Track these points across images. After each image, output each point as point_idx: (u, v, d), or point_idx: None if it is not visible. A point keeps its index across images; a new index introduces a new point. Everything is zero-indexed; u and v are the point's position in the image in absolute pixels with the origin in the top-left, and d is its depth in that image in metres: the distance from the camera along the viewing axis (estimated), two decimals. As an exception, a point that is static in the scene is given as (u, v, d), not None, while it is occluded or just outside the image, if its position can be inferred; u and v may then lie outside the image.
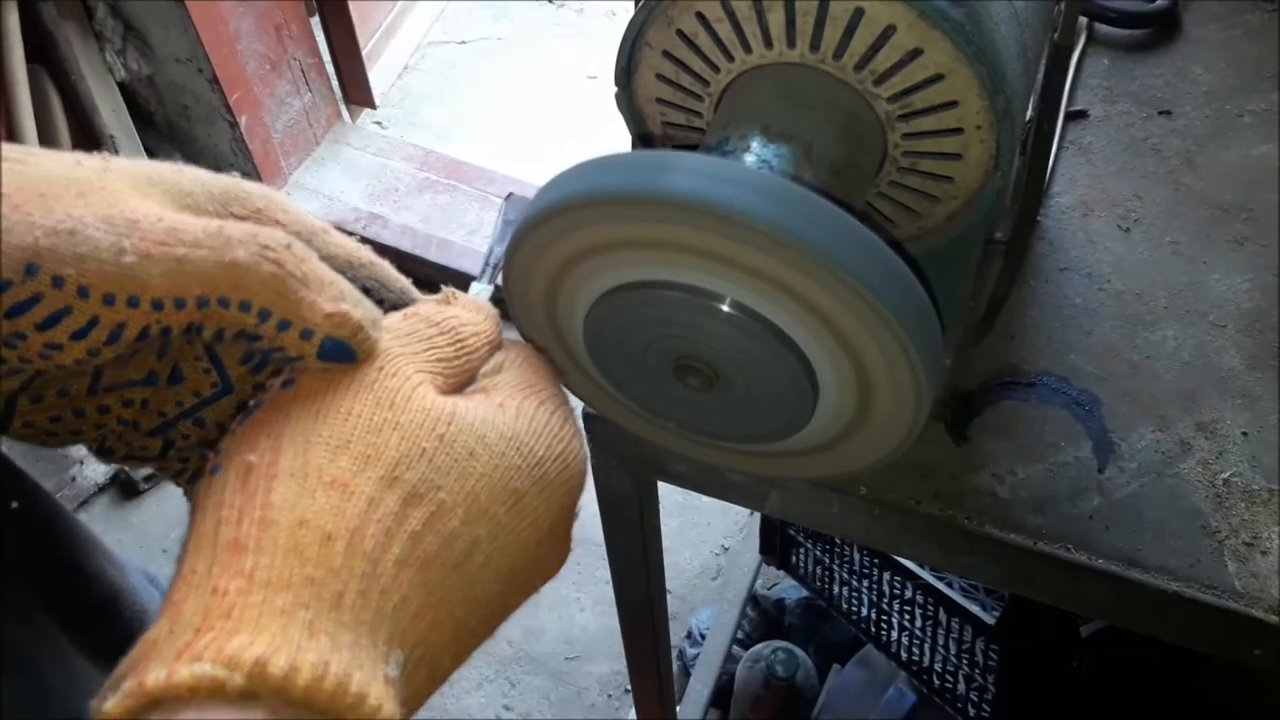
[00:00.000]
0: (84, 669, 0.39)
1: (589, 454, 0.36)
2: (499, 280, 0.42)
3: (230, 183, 0.33)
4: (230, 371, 0.34)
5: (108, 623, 0.43)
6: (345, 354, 0.31)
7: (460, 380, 0.34)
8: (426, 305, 0.36)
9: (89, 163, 0.31)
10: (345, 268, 0.35)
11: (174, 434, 0.35)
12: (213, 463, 0.29)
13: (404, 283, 0.38)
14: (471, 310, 0.36)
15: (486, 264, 0.42)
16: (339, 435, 0.29)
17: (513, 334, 0.41)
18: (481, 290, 0.41)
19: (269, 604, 0.25)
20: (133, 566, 0.48)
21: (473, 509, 0.30)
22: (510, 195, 0.44)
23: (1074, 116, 0.73)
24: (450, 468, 0.29)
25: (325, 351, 0.30)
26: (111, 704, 0.24)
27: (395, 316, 0.34)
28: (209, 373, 0.34)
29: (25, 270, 0.27)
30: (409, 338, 0.33)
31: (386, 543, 0.27)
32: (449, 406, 0.31)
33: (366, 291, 0.36)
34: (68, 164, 0.30)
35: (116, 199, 0.29)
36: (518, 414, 0.33)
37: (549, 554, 0.34)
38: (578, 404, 0.56)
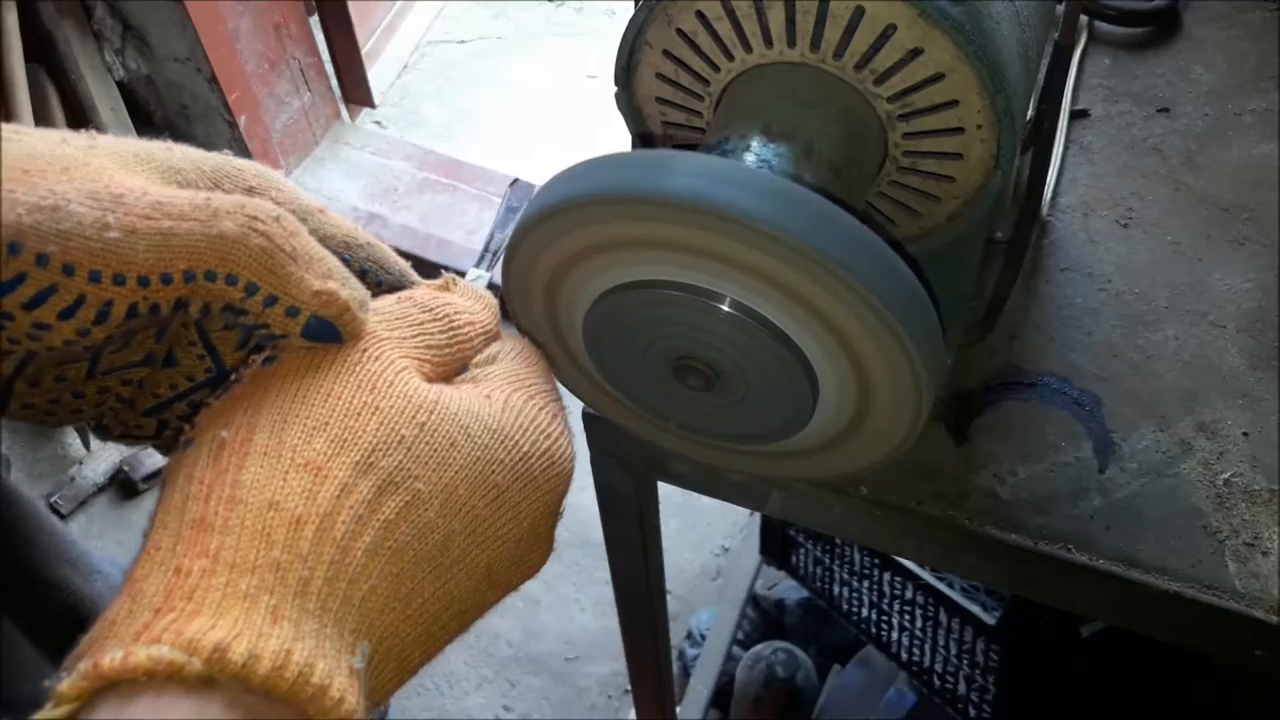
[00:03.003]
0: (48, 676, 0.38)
1: (577, 453, 0.35)
2: (498, 267, 0.41)
3: (222, 160, 0.33)
4: (225, 358, 0.34)
5: (69, 631, 0.42)
6: (331, 334, 0.30)
7: (451, 368, 0.33)
8: (423, 290, 0.35)
9: (74, 140, 0.30)
10: (342, 248, 0.35)
11: (169, 414, 0.35)
12: (187, 435, 0.29)
13: (403, 265, 0.37)
14: (469, 298, 0.36)
15: (486, 250, 0.42)
16: (316, 416, 0.28)
17: (511, 326, 0.40)
18: (479, 276, 0.41)
19: (233, 587, 0.25)
20: (111, 569, 0.48)
21: (450, 501, 0.29)
22: (515, 181, 0.43)
23: (1075, 116, 0.73)
24: (429, 457, 0.29)
25: (311, 330, 0.30)
26: (66, 684, 0.23)
27: (389, 299, 0.33)
28: (203, 358, 0.33)
29: (9, 248, 0.26)
30: (399, 321, 0.32)
31: (358, 530, 0.27)
32: (432, 394, 0.30)
33: (364, 274, 0.35)
34: (53, 141, 0.29)
35: (102, 174, 0.28)
36: (505, 407, 0.32)
37: (530, 552, 0.33)
38: (577, 404, 0.56)
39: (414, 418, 0.29)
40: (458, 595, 0.30)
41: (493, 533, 0.30)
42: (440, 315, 0.34)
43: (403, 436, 0.28)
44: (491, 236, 0.43)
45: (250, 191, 0.33)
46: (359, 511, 0.27)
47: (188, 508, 0.26)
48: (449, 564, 0.29)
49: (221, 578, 0.25)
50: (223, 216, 0.28)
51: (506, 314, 0.41)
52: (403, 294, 0.34)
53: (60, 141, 0.29)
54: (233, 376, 0.30)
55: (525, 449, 0.32)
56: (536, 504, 0.32)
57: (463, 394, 0.31)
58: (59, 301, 0.27)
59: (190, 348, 0.33)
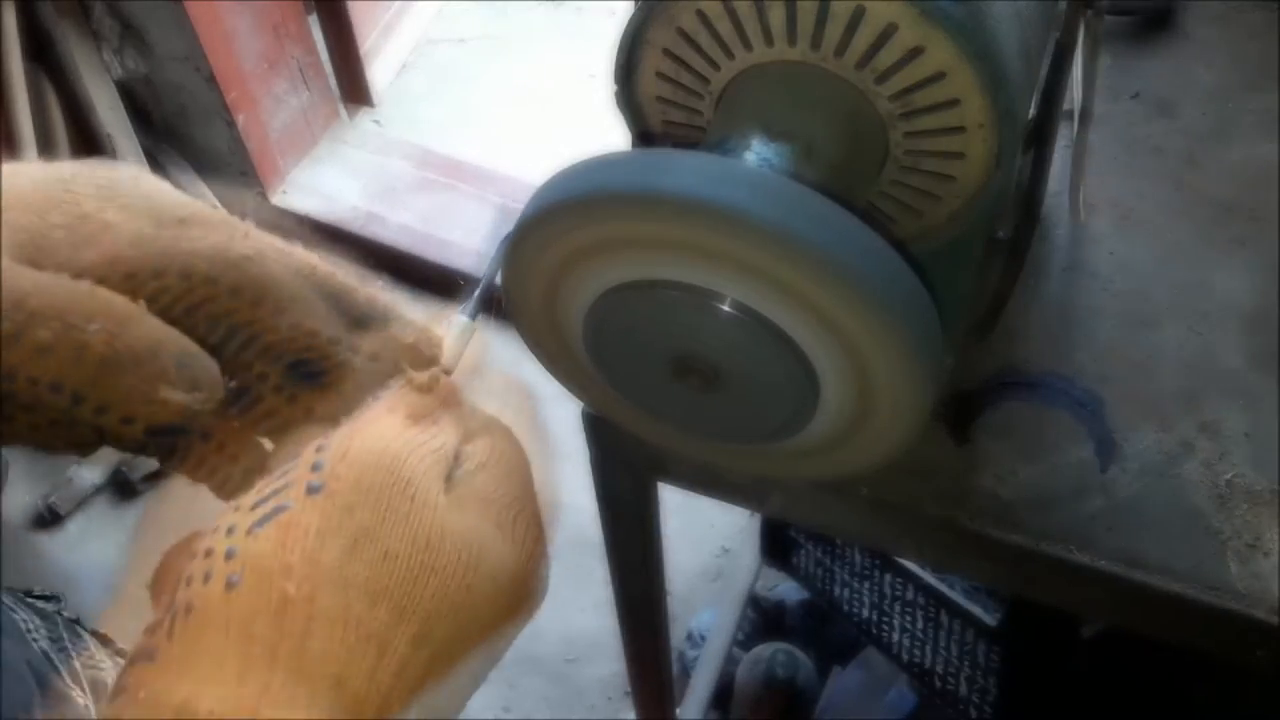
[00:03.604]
0: None
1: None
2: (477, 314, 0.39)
3: (57, 180, 0.29)
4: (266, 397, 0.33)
5: None
6: (176, 431, 0.29)
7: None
8: (418, 399, 0.32)
9: None
10: (285, 280, 0.32)
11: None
12: (224, 568, 0.26)
13: (368, 294, 0.35)
14: (450, 411, 0.33)
15: (476, 293, 0.39)
16: (377, 581, 0.27)
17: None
18: (465, 325, 0.38)
19: None
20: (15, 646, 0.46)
21: (470, 659, 0.29)
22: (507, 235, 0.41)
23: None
24: (470, 623, 0.29)
25: (153, 432, 0.28)
26: None
27: (400, 418, 0.30)
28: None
29: None
30: (430, 452, 0.30)
31: (406, 705, 0.27)
32: (476, 544, 0.29)
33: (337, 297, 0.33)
34: None
35: None
36: (517, 545, 0.31)
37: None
38: (577, 404, 0.56)
39: (464, 580, 0.28)
40: None
41: (482, 667, 0.31)
42: (440, 440, 0.31)
43: (456, 604, 0.28)
44: (484, 278, 0.40)
45: (85, 218, 0.29)
46: (412, 687, 0.27)
47: (250, 665, 0.25)
48: (452, 710, 0.30)
49: None
50: (37, 324, 0.26)
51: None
52: (413, 409, 0.31)
53: None
54: (270, 492, 0.28)
55: (526, 592, 0.31)
56: (506, 642, 0.32)
57: (486, 532, 0.30)
58: None
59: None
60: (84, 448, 0.33)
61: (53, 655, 0.47)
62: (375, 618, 0.26)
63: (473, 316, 0.38)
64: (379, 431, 0.29)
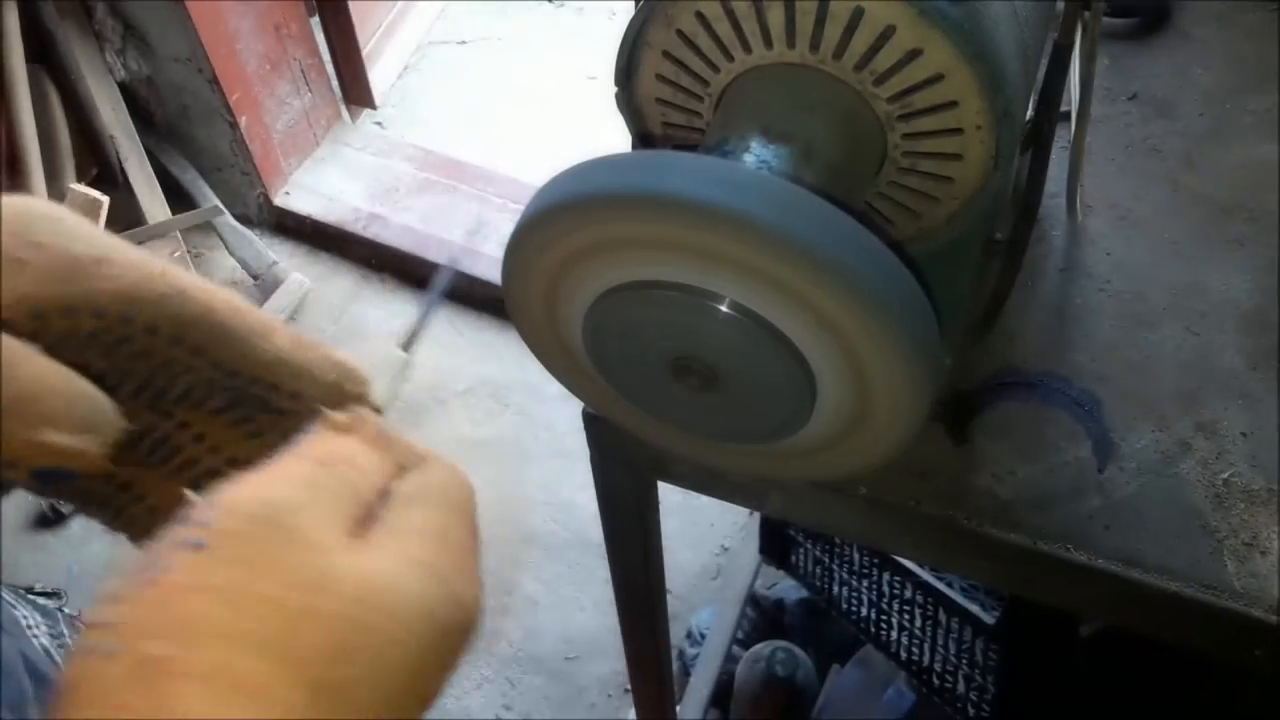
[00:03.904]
0: None
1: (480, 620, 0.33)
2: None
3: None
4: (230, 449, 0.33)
5: None
6: (65, 475, 0.28)
7: (362, 527, 0.30)
8: (330, 444, 0.31)
9: None
10: (203, 319, 0.31)
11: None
12: (100, 640, 0.25)
13: (291, 334, 0.33)
14: (373, 451, 0.32)
15: (414, 331, 0.37)
16: (257, 632, 0.25)
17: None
18: (397, 359, 0.36)
19: None
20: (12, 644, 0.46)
21: (389, 703, 0.27)
22: (440, 268, 0.40)
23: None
24: (372, 663, 0.27)
25: (40, 476, 0.28)
26: None
27: (305, 462, 0.30)
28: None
29: None
30: (322, 494, 0.29)
31: None
32: (366, 582, 0.27)
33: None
34: None
35: None
36: (431, 577, 0.29)
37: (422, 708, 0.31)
38: (577, 404, 0.56)
39: (357, 621, 0.27)
40: None
41: (408, 714, 0.29)
42: (348, 481, 0.30)
43: (346, 646, 0.26)
44: (421, 319, 0.39)
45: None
46: None
47: None
48: None
49: None
50: None
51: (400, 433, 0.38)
52: (316, 453, 0.30)
53: None
54: (148, 560, 0.27)
55: (446, 625, 0.29)
56: (444, 675, 0.30)
57: (398, 568, 0.29)
58: None
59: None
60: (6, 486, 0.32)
61: (53, 651, 0.47)
62: (254, 669, 0.25)
63: (406, 349, 0.37)
64: (270, 479, 0.28)
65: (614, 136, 0.51)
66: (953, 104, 0.43)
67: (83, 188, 1.59)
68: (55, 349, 0.29)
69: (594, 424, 0.64)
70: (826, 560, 1.12)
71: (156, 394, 0.33)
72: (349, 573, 0.27)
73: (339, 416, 0.32)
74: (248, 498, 0.28)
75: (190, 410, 0.34)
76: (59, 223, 0.30)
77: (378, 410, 0.35)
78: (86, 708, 0.24)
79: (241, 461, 0.32)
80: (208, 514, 0.27)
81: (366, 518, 0.30)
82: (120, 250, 0.31)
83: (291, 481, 0.29)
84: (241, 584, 0.26)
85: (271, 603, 0.26)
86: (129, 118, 1.77)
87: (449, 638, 0.29)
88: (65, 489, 0.33)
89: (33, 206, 0.30)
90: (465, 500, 0.33)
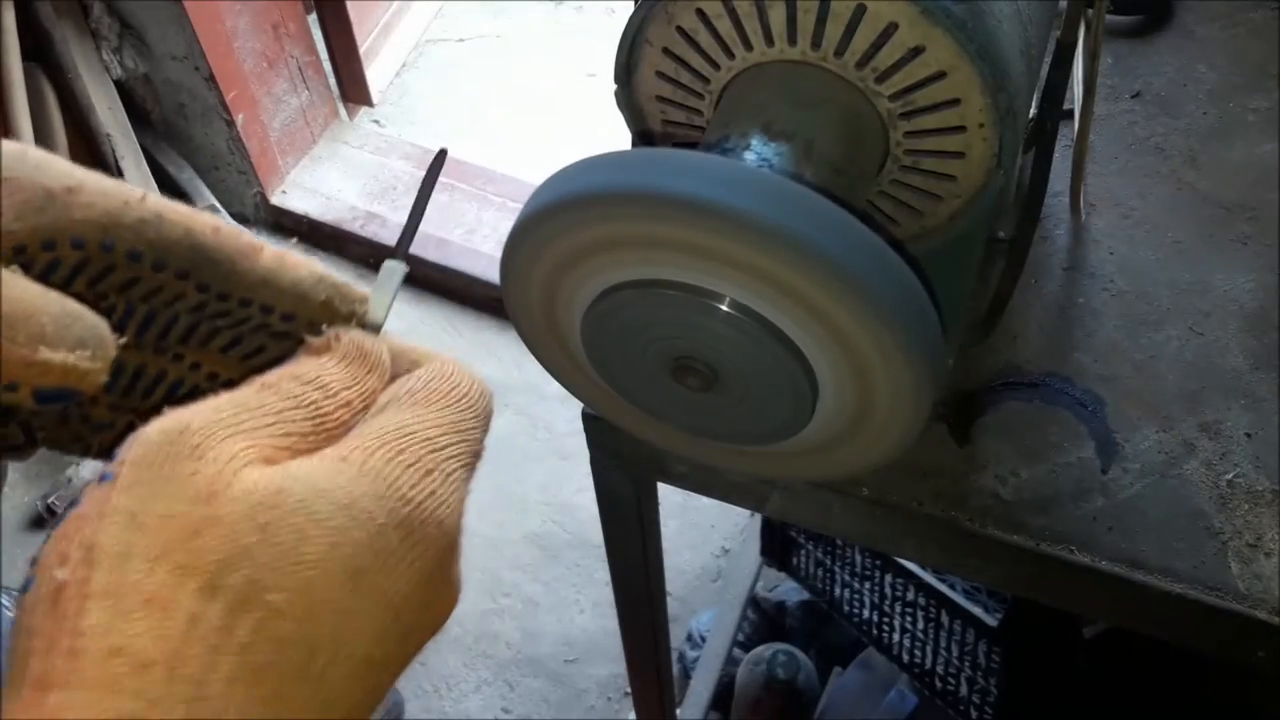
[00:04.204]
0: None
1: (454, 516, 0.31)
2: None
3: None
4: (227, 370, 0.33)
5: None
6: (66, 395, 0.28)
7: (320, 447, 0.30)
8: (293, 367, 0.31)
9: None
10: (186, 243, 0.31)
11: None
12: (27, 574, 0.26)
13: (276, 253, 0.33)
14: (352, 364, 0.32)
15: (404, 235, 0.36)
16: (155, 544, 0.26)
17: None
18: (395, 269, 0.35)
19: None
20: None
21: (309, 604, 0.27)
22: (442, 151, 0.39)
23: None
24: (277, 562, 0.26)
25: (42, 398, 0.28)
26: None
27: (248, 389, 0.30)
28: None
29: None
30: (251, 412, 0.29)
31: (213, 661, 0.25)
32: (275, 483, 0.27)
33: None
34: None
35: None
36: (360, 472, 0.29)
37: (413, 622, 0.30)
38: (577, 404, 0.55)
39: (255, 520, 0.27)
40: (337, 696, 0.27)
41: (361, 621, 0.28)
42: (306, 402, 0.30)
43: (247, 546, 0.26)
44: (413, 216, 0.38)
45: None
46: (212, 641, 0.25)
47: (29, 665, 0.24)
48: (320, 669, 0.27)
49: None
50: None
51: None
52: (268, 378, 0.31)
53: None
54: (71, 499, 0.27)
55: (380, 520, 0.28)
56: (404, 578, 0.29)
57: (312, 468, 0.28)
58: None
59: None
60: (16, 450, 0.32)
61: None
62: (153, 580, 0.25)
63: (402, 257, 0.36)
64: (191, 408, 0.29)
65: (614, 134, 0.50)
66: (955, 102, 0.43)
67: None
68: (41, 283, 0.29)
69: (593, 424, 0.64)
70: (828, 562, 1.12)
71: (161, 333, 0.33)
72: (250, 480, 0.27)
73: (315, 340, 0.32)
74: (157, 426, 0.28)
75: (199, 350, 0.34)
76: (24, 156, 0.30)
77: (375, 326, 0.34)
78: (15, 643, 0.25)
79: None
80: (121, 449, 0.28)
81: (331, 433, 0.30)
82: (92, 179, 0.30)
83: (213, 404, 0.29)
84: (140, 505, 0.26)
85: (169, 518, 0.26)
86: (125, 116, 1.77)
87: (386, 534, 0.28)
88: (89, 435, 0.33)
89: (1, 144, 0.30)
90: (450, 394, 0.32)
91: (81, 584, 0.25)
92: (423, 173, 1.70)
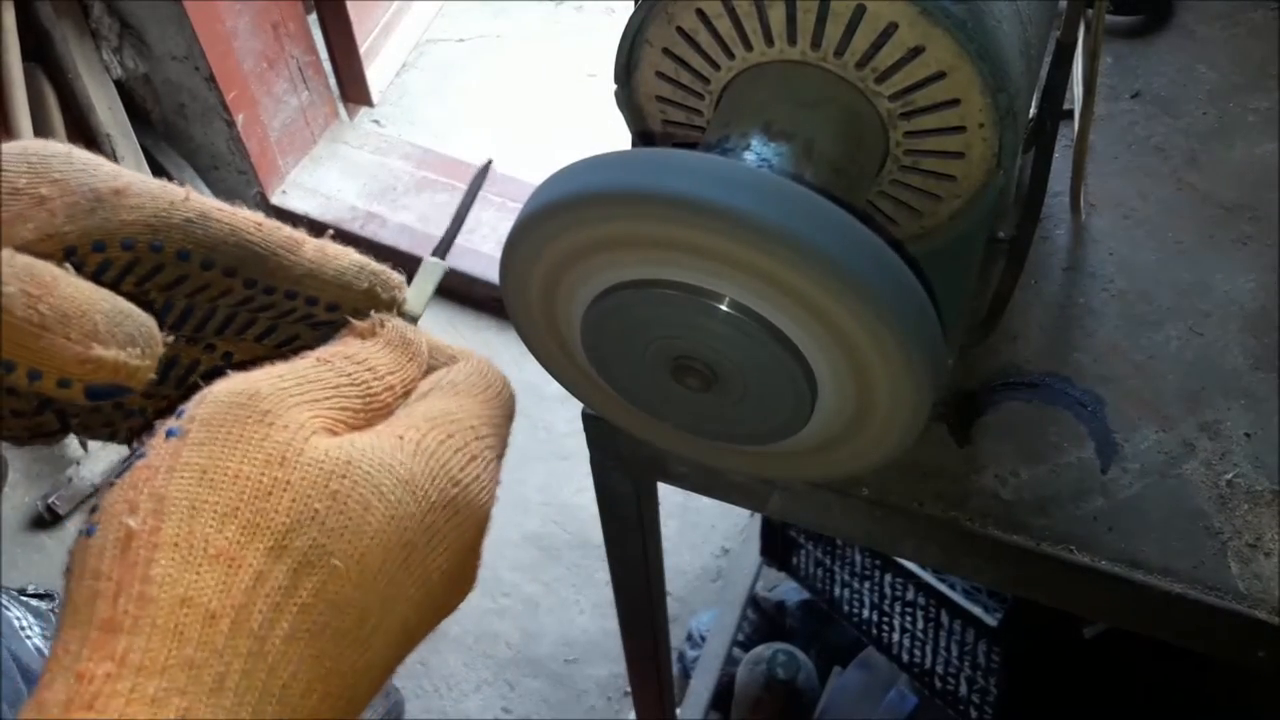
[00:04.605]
0: None
1: (490, 501, 0.32)
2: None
3: None
4: (241, 353, 0.33)
5: None
6: (117, 391, 0.29)
7: (369, 422, 0.32)
8: (342, 345, 0.33)
9: None
10: (232, 240, 0.32)
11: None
12: (89, 522, 0.27)
13: (318, 244, 0.34)
14: (395, 350, 0.33)
15: (449, 235, 0.39)
16: (226, 501, 0.27)
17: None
18: (435, 266, 0.37)
19: (139, 691, 0.24)
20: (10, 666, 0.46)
21: (365, 571, 0.28)
22: (489, 163, 0.40)
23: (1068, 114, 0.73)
24: (343, 529, 0.27)
25: (93, 394, 0.28)
26: None
27: (305, 361, 0.31)
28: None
29: None
30: (312, 385, 0.30)
31: (274, 618, 0.26)
32: (344, 454, 0.28)
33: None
34: None
35: None
36: (416, 451, 0.30)
37: (442, 599, 0.31)
38: (576, 404, 0.55)
39: (326, 487, 0.28)
40: (376, 661, 0.29)
41: (404, 594, 0.29)
42: (358, 381, 0.31)
43: (316, 511, 0.27)
44: (456, 220, 0.39)
45: (16, 194, 0.29)
46: (275, 599, 0.26)
47: (96, 607, 0.25)
48: (367, 634, 0.28)
49: (126, 683, 0.24)
50: None
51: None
52: (322, 353, 0.32)
53: None
54: (135, 448, 0.28)
55: (433, 498, 0.30)
56: (443, 556, 0.30)
57: (377, 443, 0.30)
58: None
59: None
60: (49, 435, 0.33)
61: (46, 652, 0.48)
62: (223, 536, 0.26)
63: (442, 256, 0.37)
64: (256, 373, 0.30)
65: (613, 134, 0.50)
66: (955, 102, 0.43)
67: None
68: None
69: (593, 425, 0.64)
70: (828, 562, 1.12)
71: (198, 325, 0.34)
72: (320, 448, 0.28)
73: (361, 323, 0.33)
74: (225, 388, 0.29)
75: (232, 341, 0.35)
76: (70, 157, 0.31)
77: (413, 317, 0.36)
78: (79, 585, 0.26)
79: None
80: (188, 406, 0.28)
81: (376, 413, 0.31)
82: (138, 180, 0.32)
83: (276, 372, 0.30)
84: (211, 463, 0.27)
85: (240, 477, 0.27)
86: (125, 116, 1.77)
87: (435, 511, 0.30)
88: (119, 421, 0.34)
89: (44, 145, 0.31)
90: (486, 390, 0.34)
91: (152, 533, 0.26)
92: (422, 172, 1.70)
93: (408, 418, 0.31)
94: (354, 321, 0.33)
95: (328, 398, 0.30)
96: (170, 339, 0.31)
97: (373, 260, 0.35)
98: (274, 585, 0.26)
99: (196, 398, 0.28)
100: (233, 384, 0.29)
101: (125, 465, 0.28)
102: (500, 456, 0.33)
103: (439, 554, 0.30)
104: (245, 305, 0.34)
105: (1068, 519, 0.55)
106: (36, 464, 1.69)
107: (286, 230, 0.34)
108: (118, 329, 0.29)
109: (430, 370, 0.34)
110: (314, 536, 0.27)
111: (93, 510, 0.27)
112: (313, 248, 0.34)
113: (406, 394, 0.33)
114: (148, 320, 0.30)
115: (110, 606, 0.25)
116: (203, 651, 0.25)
